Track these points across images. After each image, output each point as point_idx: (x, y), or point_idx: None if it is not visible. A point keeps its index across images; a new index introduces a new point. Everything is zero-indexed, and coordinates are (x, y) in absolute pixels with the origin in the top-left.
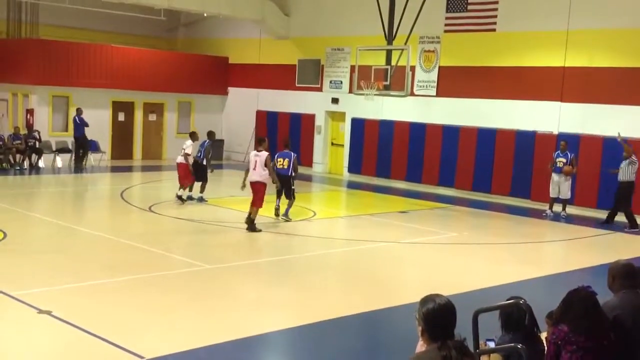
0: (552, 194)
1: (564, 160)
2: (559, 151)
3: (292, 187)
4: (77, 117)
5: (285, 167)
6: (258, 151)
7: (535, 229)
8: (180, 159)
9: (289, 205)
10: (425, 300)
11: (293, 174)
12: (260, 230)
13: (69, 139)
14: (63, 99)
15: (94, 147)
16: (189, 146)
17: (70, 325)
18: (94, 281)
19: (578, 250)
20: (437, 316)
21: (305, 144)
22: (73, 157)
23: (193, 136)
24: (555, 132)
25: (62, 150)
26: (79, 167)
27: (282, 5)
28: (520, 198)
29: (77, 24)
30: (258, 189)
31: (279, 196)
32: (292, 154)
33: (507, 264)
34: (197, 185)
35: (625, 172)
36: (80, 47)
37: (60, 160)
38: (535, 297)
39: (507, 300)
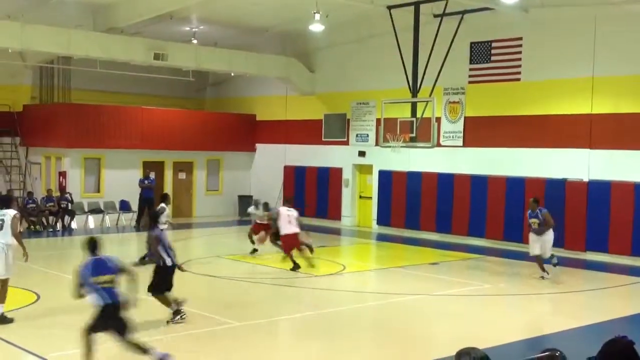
0: (533, 251)
1: (537, 221)
2: (530, 210)
3: None
4: (146, 180)
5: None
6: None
7: (568, 278)
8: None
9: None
10: (461, 353)
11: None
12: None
13: (101, 200)
14: (95, 161)
15: (125, 207)
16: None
17: None
18: None
19: (614, 299)
20: None
21: (333, 198)
22: (135, 217)
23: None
24: (586, 179)
25: (94, 211)
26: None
27: (307, 63)
28: (554, 247)
29: (108, 88)
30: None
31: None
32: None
33: (542, 315)
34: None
35: None
36: (111, 110)
37: (92, 221)
38: (571, 348)
39: (543, 352)
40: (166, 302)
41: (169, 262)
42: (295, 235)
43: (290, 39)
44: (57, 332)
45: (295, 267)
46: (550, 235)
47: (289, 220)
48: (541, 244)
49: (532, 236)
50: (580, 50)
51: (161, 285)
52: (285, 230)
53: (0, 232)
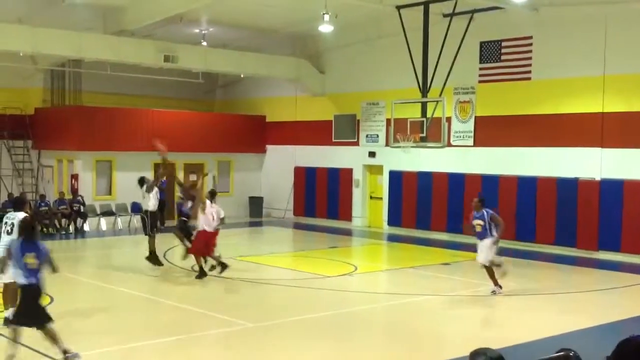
0: (480, 258)
1: (482, 223)
2: (474, 211)
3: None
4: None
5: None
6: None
7: (582, 278)
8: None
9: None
10: (477, 353)
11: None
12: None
13: (113, 202)
14: (106, 164)
15: (137, 209)
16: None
17: None
18: (137, 343)
19: (627, 299)
20: None
21: (343, 198)
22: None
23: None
24: (598, 178)
25: (106, 213)
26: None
27: (317, 64)
28: (566, 246)
29: (119, 90)
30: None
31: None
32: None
33: (555, 315)
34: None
35: None
36: (121, 112)
37: (104, 224)
38: (585, 348)
39: (557, 352)
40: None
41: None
42: (212, 235)
43: (299, 40)
44: (71, 334)
45: (202, 274)
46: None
47: (212, 218)
48: (484, 249)
49: (478, 242)
50: (591, 49)
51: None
52: (204, 226)
53: (10, 236)
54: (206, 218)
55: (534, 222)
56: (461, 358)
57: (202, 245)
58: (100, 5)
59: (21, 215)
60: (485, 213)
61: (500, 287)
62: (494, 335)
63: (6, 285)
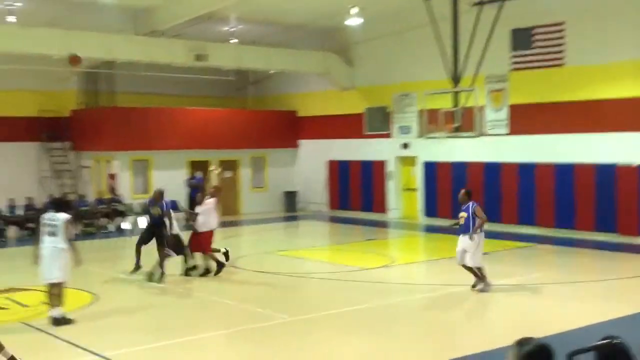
0: (460, 260)
1: (465, 215)
2: (461, 204)
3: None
4: (195, 179)
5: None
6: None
7: (624, 264)
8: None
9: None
10: (522, 342)
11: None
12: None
13: None
14: (143, 163)
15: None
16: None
17: None
18: (181, 339)
19: None
20: (536, 359)
21: (378, 191)
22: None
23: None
24: (637, 163)
25: (144, 211)
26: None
27: (346, 57)
28: (607, 232)
29: (152, 90)
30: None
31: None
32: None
33: (597, 302)
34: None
35: None
36: (156, 111)
37: (142, 222)
38: (628, 336)
39: (602, 340)
40: None
41: None
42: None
43: (328, 34)
44: (115, 330)
45: (220, 266)
46: (477, 237)
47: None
48: (465, 246)
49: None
50: (625, 33)
51: None
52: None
53: (55, 238)
54: (215, 216)
55: (573, 209)
56: (504, 348)
57: (209, 243)
58: (130, 6)
59: (64, 216)
60: (470, 206)
61: (489, 283)
62: (537, 324)
63: (52, 285)
